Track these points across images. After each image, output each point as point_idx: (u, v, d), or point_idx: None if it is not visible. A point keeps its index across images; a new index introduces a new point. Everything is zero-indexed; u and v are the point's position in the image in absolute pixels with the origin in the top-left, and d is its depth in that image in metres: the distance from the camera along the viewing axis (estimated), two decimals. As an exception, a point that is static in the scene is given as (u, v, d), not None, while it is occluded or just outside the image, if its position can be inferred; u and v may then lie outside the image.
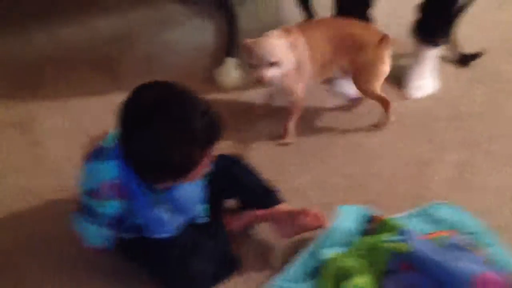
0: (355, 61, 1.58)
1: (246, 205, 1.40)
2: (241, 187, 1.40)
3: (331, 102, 1.79)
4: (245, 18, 2.06)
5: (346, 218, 1.39)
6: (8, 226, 1.42)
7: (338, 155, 1.64)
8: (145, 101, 1.05)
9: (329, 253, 1.32)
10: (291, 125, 1.66)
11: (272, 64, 1.47)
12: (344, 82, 1.76)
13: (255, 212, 1.37)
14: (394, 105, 1.69)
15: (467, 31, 1.91)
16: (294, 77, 1.57)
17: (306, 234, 1.37)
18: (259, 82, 1.49)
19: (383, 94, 1.65)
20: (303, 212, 1.35)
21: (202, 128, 1.06)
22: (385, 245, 1.27)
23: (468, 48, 1.93)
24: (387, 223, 1.34)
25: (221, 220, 1.38)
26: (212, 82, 1.83)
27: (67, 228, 1.24)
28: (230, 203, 1.43)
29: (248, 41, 1.49)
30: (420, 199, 1.50)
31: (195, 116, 1.05)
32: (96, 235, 1.22)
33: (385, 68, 1.60)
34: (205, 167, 1.15)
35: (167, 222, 1.24)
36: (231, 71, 1.84)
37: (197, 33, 2.06)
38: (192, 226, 1.32)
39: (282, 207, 1.40)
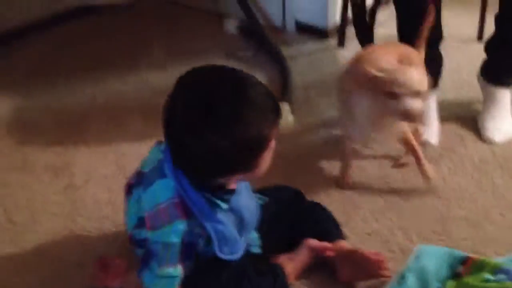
0: None
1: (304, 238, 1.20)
2: (305, 218, 1.22)
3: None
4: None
5: (429, 259, 1.15)
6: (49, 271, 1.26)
7: (418, 192, 1.45)
8: (197, 86, 0.95)
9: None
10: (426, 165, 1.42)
11: (417, 95, 1.22)
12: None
13: (313, 245, 1.17)
14: (473, 150, 1.51)
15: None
16: None
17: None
18: (405, 116, 1.23)
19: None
20: (367, 255, 1.15)
21: (262, 97, 0.96)
22: (488, 285, 1.02)
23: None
24: (487, 262, 1.10)
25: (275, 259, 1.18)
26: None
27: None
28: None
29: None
30: (517, 246, 1.26)
31: (251, 86, 0.96)
32: (164, 282, 1.01)
33: None
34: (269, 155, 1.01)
35: (236, 238, 1.06)
36: (285, 115, 1.72)
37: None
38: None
39: (343, 244, 1.20)
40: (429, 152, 1.57)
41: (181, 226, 0.98)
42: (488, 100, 1.69)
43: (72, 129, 1.76)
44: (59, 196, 1.48)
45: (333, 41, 2.23)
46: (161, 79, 1.99)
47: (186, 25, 2.39)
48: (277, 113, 0.98)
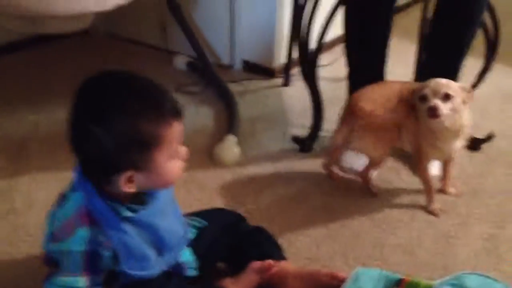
0: None
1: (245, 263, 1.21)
2: (247, 241, 1.24)
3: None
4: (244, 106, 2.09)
5: (366, 281, 1.20)
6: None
7: (357, 220, 1.50)
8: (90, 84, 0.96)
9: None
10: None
11: (447, 98, 1.38)
12: (351, 155, 1.66)
13: (257, 266, 1.19)
14: (408, 183, 1.60)
15: (477, 121, 1.83)
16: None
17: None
18: (431, 116, 1.38)
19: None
20: (317, 271, 1.19)
21: (156, 95, 0.95)
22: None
23: (478, 135, 1.86)
24: (419, 283, 1.16)
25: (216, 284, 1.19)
26: (212, 159, 1.75)
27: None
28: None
29: None
30: (447, 270, 1.33)
31: (146, 84, 0.96)
32: None
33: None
34: (175, 162, 0.99)
35: (145, 253, 1.03)
36: (231, 147, 1.76)
37: (196, 118, 2.02)
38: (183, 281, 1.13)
39: (288, 265, 1.23)
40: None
41: (83, 233, 0.95)
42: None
43: (14, 155, 1.75)
44: (1, 221, 1.45)
45: (278, 80, 2.32)
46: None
47: (136, 59, 2.43)
48: (172, 113, 0.95)
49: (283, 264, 1.23)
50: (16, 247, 1.36)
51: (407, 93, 1.49)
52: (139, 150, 0.93)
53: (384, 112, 1.50)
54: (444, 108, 1.39)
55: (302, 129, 1.91)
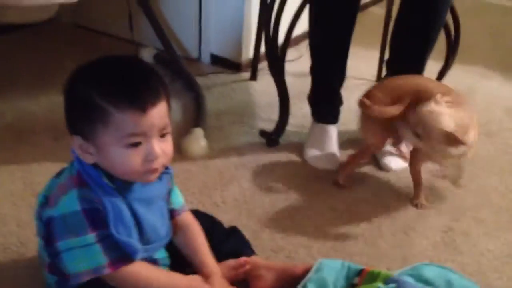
0: None
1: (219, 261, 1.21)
2: (220, 242, 1.25)
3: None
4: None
5: (328, 271, 1.23)
6: None
7: (321, 213, 1.54)
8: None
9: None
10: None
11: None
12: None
13: (232, 264, 1.21)
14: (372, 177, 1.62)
15: None
16: None
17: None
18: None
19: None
20: (289, 266, 1.24)
21: (127, 74, 1.00)
22: (379, 293, 1.11)
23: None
24: (379, 273, 1.20)
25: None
26: (179, 152, 1.75)
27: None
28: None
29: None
30: (406, 261, 1.38)
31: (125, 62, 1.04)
32: (82, 253, 0.98)
33: None
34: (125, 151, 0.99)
35: (131, 228, 1.04)
36: (199, 140, 1.78)
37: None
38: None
39: (258, 259, 1.26)
40: (331, 177, 1.69)
41: (74, 192, 0.98)
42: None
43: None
44: (-38, 211, 1.44)
45: (245, 74, 2.34)
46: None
47: (102, 50, 2.40)
48: (134, 104, 0.96)
49: (253, 259, 1.25)
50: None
51: (422, 95, 1.48)
52: (85, 119, 0.98)
53: (386, 105, 1.52)
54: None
55: (268, 123, 1.94)
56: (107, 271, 1.00)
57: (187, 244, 1.19)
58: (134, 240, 1.03)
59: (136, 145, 0.98)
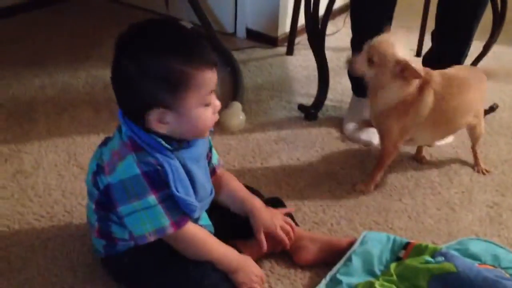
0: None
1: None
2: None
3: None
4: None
5: (373, 244, 1.22)
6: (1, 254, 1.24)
7: (360, 193, 1.51)
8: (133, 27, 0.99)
9: (355, 281, 1.14)
10: (376, 175, 1.51)
11: (370, 62, 1.38)
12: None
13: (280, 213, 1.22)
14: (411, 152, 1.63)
15: None
16: (393, 116, 1.43)
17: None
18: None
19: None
20: (333, 239, 1.24)
21: (189, 39, 0.99)
22: (427, 266, 1.10)
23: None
24: (426, 247, 1.18)
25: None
26: (218, 126, 1.74)
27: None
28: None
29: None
30: (451, 236, 1.36)
31: (181, 28, 1.03)
32: (145, 215, 0.99)
33: None
34: (205, 109, 1.00)
35: (189, 186, 1.05)
36: (237, 114, 1.77)
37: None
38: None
39: (301, 230, 1.26)
40: (372, 151, 1.68)
41: (131, 158, 0.98)
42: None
43: (21, 118, 1.74)
44: (9, 182, 1.46)
45: (281, 49, 2.31)
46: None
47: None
48: (205, 60, 0.98)
49: (297, 230, 1.25)
50: (25, 207, 1.37)
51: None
52: (168, 88, 0.96)
53: None
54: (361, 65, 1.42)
55: (307, 98, 1.92)
56: (170, 230, 1.01)
57: (227, 191, 1.21)
58: (192, 198, 1.04)
59: (209, 102, 1.01)
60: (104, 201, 1.05)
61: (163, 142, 1.00)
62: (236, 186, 1.23)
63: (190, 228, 1.05)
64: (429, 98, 1.41)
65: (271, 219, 1.19)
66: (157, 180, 0.99)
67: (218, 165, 1.22)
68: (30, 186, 1.45)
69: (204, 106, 1.00)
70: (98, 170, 1.06)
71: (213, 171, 1.19)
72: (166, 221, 1.01)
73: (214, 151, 1.21)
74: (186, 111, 0.98)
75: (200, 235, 1.08)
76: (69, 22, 2.42)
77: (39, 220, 1.34)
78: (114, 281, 1.16)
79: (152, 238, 1.01)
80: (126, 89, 0.98)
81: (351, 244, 1.25)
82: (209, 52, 0.99)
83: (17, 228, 1.31)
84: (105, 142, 1.10)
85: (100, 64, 2.06)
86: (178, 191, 1.01)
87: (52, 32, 2.32)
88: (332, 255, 1.23)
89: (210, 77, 0.98)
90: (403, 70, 1.36)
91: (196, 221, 1.11)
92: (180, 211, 1.03)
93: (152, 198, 0.99)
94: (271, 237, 1.19)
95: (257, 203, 1.19)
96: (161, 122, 0.98)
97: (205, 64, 0.97)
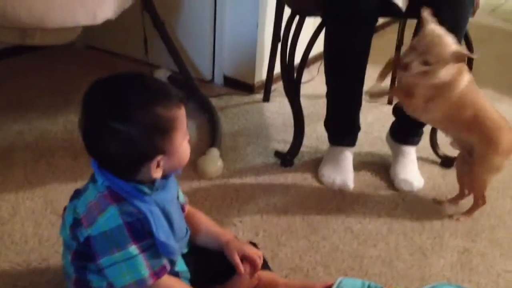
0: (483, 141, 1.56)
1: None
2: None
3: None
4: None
5: (350, 291, 1.25)
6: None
7: (337, 233, 1.55)
8: (98, 87, 1.02)
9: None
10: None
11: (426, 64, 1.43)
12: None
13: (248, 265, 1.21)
14: (384, 197, 1.68)
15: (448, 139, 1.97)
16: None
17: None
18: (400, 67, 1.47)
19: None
20: (308, 284, 1.26)
21: (160, 84, 1.06)
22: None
23: (450, 153, 1.96)
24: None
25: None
26: (196, 172, 1.78)
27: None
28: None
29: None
30: (424, 281, 1.39)
31: (149, 78, 1.08)
32: (126, 266, 1.01)
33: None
34: (186, 143, 1.07)
35: (169, 231, 1.07)
36: (214, 160, 1.80)
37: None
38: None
39: (277, 276, 1.27)
40: (347, 197, 1.72)
41: (113, 209, 1.00)
42: (397, 156, 1.87)
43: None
44: (-16, 229, 1.45)
45: (258, 96, 2.37)
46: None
47: (117, 72, 2.44)
48: (178, 97, 1.04)
49: (273, 276, 1.27)
50: (1, 255, 1.36)
51: None
52: (162, 135, 1.00)
53: None
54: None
55: (283, 144, 1.96)
56: (150, 281, 1.03)
57: (198, 230, 1.23)
58: (172, 241, 1.07)
59: (186, 134, 1.08)
60: (84, 251, 1.05)
61: (145, 189, 1.03)
62: (209, 223, 1.27)
63: (168, 280, 1.07)
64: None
65: (243, 244, 1.23)
66: (140, 230, 1.01)
67: (185, 203, 1.25)
68: (7, 233, 1.44)
69: (185, 140, 1.07)
70: (75, 223, 1.06)
71: (182, 209, 1.21)
72: (146, 272, 1.02)
73: (179, 189, 1.23)
74: (176, 150, 1.04)
75: (178, 286, 1.10)
76: (49, 68, 2.45)
77: (15, 268, 1.33)
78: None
79: None
80: (123, 149, 0.99)
81: None
82: (175, 90, 1.06)
83: (-8, 277, 1.30)
84: (76, 195, 1.10)
85: (78, 111, 2.07)
86: (160, 237, 1.03)
87: (31, 77, 2.35)
88: None
89: (183, 113, 1.06)
90: (458, 58, 1.44)
91: (172, 265, 1.12)
92: (159, 261, 1.05)
93: (133, 248, 1.00)
94: (247, 263, 1.21)
95: (230, 235, 1.24)
96: (158, 167, 1.03)
97: (179, 102, 1.04)
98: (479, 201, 1.64)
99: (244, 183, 1.76)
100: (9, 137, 1.90)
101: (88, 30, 1.91)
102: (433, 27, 1.45)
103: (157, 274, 1.04)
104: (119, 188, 1.02)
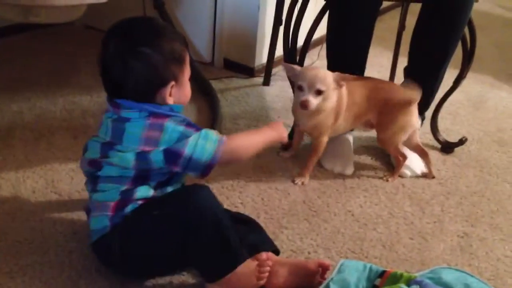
0: (382, 114, 1.69)
1: None
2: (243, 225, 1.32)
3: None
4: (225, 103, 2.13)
5: (350, 272, 1.25)
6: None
7: (338, 216, 1.55)
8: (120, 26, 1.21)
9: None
10: (311, 165, 1.71)
11: (319, 93, 1.56)
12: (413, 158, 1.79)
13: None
14: (385, 182, 1.73)
15: (448, 126, 2.02)
16: (329, 118, 1.64)
17: None
18: (302, 107, 1.56)
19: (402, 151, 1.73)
20: (303, 260, 1.27)
21: (171, 28, 1.29)
22: (402, 293, 1.13)
23: (450, 139, 1.97)
24: (401, 275, 1.21)
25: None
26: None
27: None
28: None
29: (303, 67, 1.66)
30: (424, 265, 1.40)
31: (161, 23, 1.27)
32: (203, 141, 1.16)
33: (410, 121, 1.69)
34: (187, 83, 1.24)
35: None
36: (216, 143, 1.79)
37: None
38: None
39: (273, 256, 1.28)
40: (347, 181, 1.72)
41: (170, 123, 1.16)
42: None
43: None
44: (-14, 208, 1.45)
45: (259, 79, 2.36)
46: (89, 101, 2.02)
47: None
48: (185, 40, 1.23)
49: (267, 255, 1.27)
50: (2, 234, 1.36)
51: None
52: (177, 64, 1.19)
53: None
54: (314, 102, 1.57)
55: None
56: (224, 138, 1.20)
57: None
58: None
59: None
60: (143, 173, 1.19)
61: (177, 108, 1.21)
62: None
63: (229, 137, 1.23)
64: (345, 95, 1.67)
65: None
66: (191, 124, 1.19)
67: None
68: (8, 212, 1.43)
69: (188, 78, 1.24)
70: (139, 157, 1.16)
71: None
72: (217, 136, 1.19)
73: None
74: (184, 82, 1.22)
75: (239, 135, 1.35)
76: (47, 48, 2.43)
77: (17, 246, 1.33)
78: (104, 265, 1.25)
79: (219, 155, 1.17)
80: (146, 71, 1.15)
81: (319, 265, 1.28)
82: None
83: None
84: (111, 146, 1.19)
85: (78, 91, 2.07)
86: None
87: (30, 57, 2.32)
88: (303, 279, 1.26)
89: (188, 55, 1.24)
90: (340, 81, 1.59)
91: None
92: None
93: (197, 133, 1.18)
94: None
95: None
96: (170, 95, 1.19)
97: (186, 45, 1.23)
98: (400, 158, 1.73)
99: (245, 166, 1.75)
100: (8, 116, 1.89)
101: (89, 9, 1.89)
102: (306, 67, 1.69)
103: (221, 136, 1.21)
104: (159, 110, 1.17)
